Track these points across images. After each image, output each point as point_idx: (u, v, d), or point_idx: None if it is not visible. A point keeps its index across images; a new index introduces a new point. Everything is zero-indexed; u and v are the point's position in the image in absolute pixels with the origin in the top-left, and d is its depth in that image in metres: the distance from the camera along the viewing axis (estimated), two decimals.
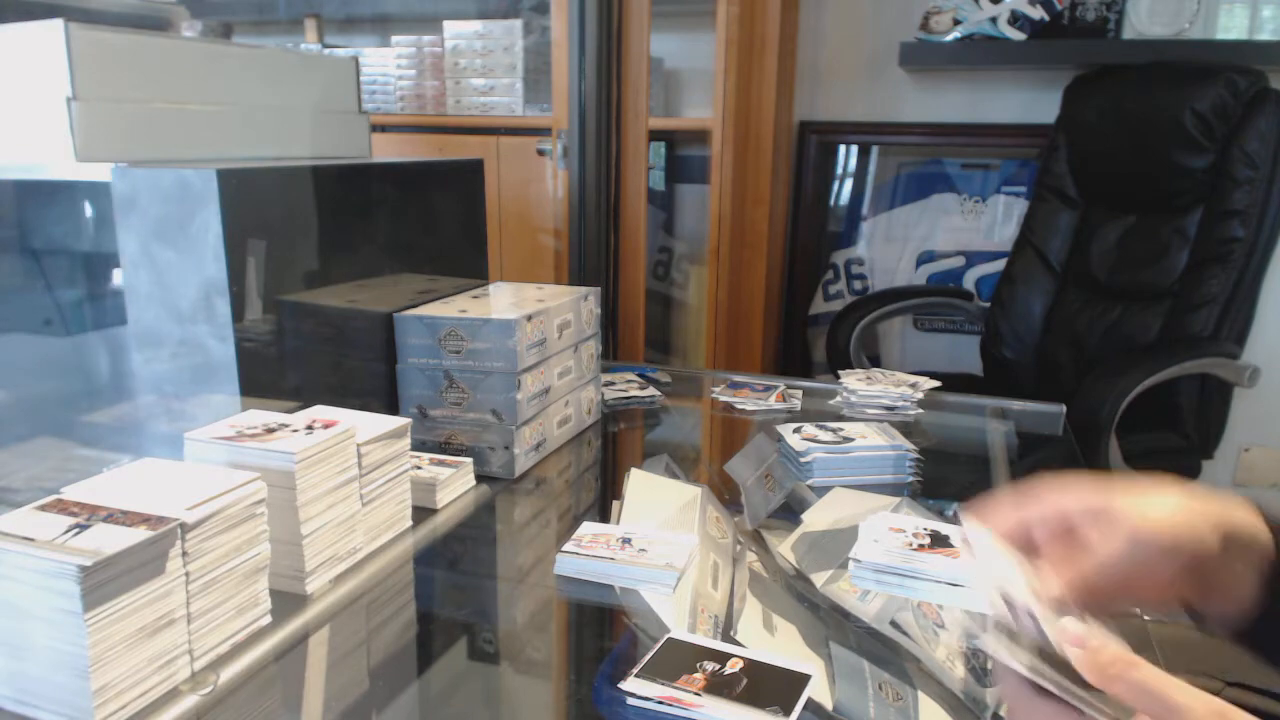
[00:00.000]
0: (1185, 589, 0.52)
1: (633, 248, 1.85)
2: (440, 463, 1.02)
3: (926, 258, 2.56)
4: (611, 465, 1.22)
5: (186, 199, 0.87)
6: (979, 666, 0.72)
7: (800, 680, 0.65)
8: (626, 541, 0.85)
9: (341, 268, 1.06)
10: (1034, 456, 1.28)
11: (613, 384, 1.44)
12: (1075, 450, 1.28)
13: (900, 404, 1.36)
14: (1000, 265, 2.32)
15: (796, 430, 1.12)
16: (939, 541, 0.76)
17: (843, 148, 2.61)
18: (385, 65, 2.63)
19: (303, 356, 0.99)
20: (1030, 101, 2.39)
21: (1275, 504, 0.53)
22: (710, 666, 0.66)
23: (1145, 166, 2.02)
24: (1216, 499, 0.52)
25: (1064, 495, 0.53)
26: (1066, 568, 0.50)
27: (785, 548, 0.86)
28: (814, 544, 0.86)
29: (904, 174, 2.57)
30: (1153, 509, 0.50)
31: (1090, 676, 0.43)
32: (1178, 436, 1.95)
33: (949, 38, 2.31)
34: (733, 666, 0.66)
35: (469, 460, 1.05)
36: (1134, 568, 0.50)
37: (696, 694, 0.63)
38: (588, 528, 0.89)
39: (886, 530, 0.78)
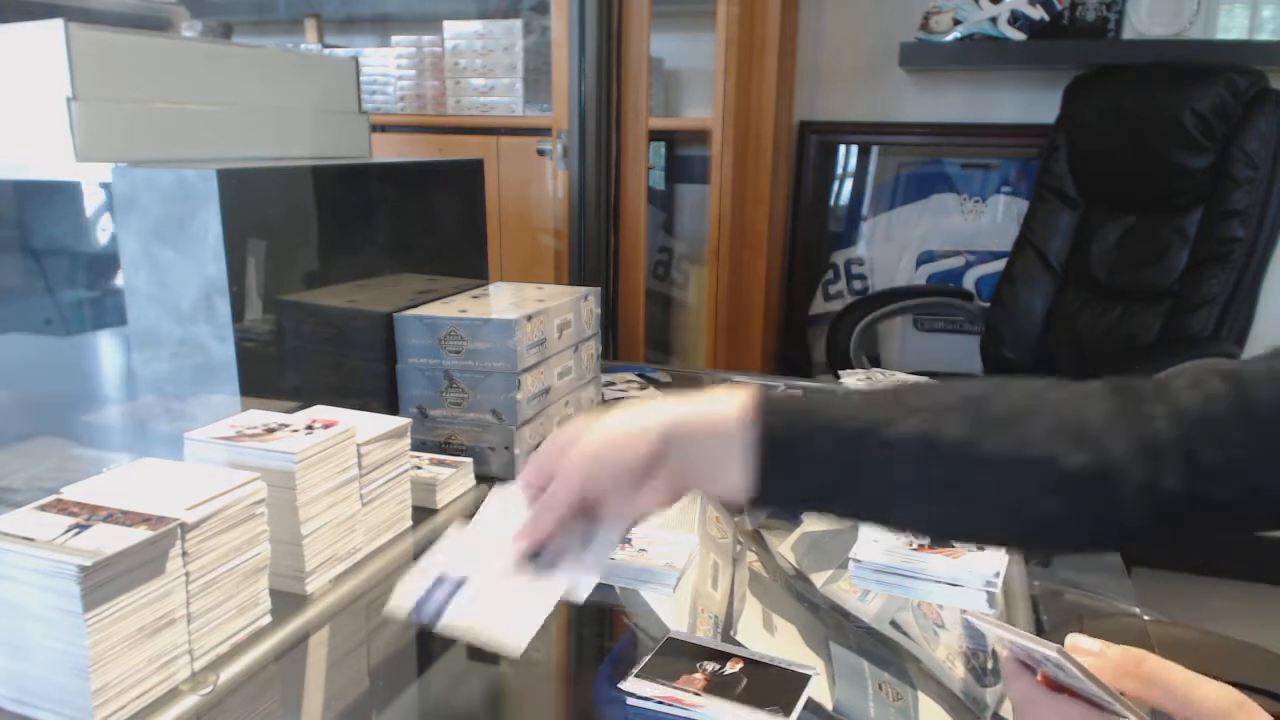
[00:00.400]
0: (674, 485, 0.59)
1: (633, 248, 1.85)
2: (440, 463, 1.02)
3: (926, 258, 2.56)
4: None
5: (186, 199, 0.87)
6: (979, 666, 0.72)
7: (800, 680, 0.65)
8: (626, 541, 0.85)
9: (341, 268, 1.06)
10: None
11: (613, 384, 1.44)
12: None
13: None
14: (1000, 265, 2.32)
15: None
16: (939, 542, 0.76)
17: (843, 148, 2.61)
18: (385, 65, 2.64)
19: (303, 356, 0.99)
20: (1030, 101, 2.39)
21: None
22: (710, 666, 0.66)
23: (1145, 166, 2.02)
24: (687, 403, 0.58)
25: (544, 443, 0.62)
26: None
27: (785, 548, 0.86)
28: (814, 544, 0.86)
29: (904, 174, 2.57)
30: (583, 436, 0.58)
31: (1104, 675, 0.43)
32: None
33: (949, 38, 2.31)
34: (733, 666, 0.66)
35: (469, 460, 1.05)
36: (581, 476, 0.58)
37: (696, 694, 0.63)
38: None
39: (886, 530, 0.78)
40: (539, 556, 0.62)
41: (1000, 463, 0.51)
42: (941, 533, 0.59)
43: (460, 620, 0.60)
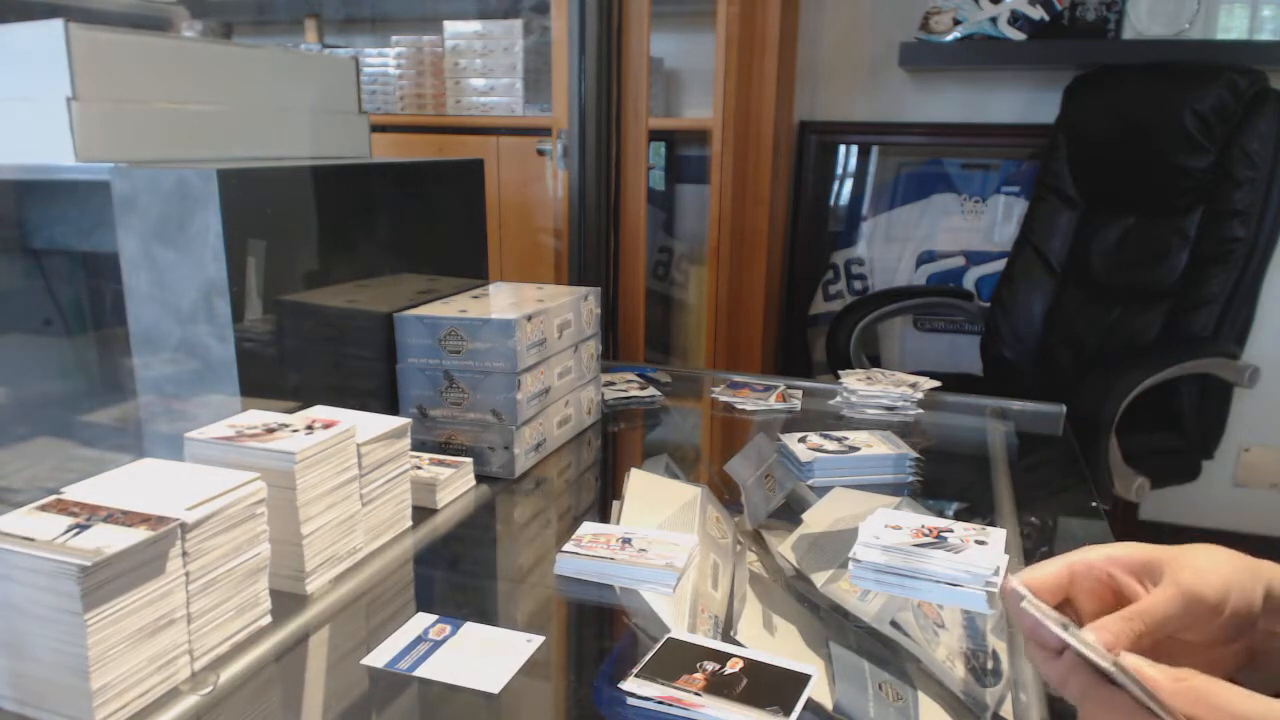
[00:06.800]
0: (1231, 657, 0.52)
1: (633, 248, 1.85)
2: (440, 463, 1.02)
3: (926, 258, 2.56)
4: (611, 465, 1.22)
5: (186, 199, 0.87)
6: (979, 666, 0.72)
7: (800, 680, 0.65)
8: (626, 541, 0.85)
9: (341, 268, 1.06)
10: (1034, 456, 1.28)
11: (613, 384, 1.44)
12: (1075, 450, 1.28)
13: (900, 404, 1.36)
14: (1000, 265, 2.32)
15: (801, 440, 1.12)
16: (939, 541, 0.76)
17: (843, 148, 2.61)
18: (385, 65, 2.63)
19: (303, 356, 0.99)
20: (1030, 101, 2.39)
21: None
22: (710, 666, 0.66)
23: (1145, 167, 2.02)
24: (1258, 561, 0.51)
25: (1110, 550, 0.52)
26: (1114, 620, 0.48)
27: (785, 548, 0.86)
28: (814, 544, 0.86)
29: (904, 174, 2.57)
30: (1203, 560, 0.50)
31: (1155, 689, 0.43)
32: (1178, 436, 1.95)
33: (949, 38, 2.31)
34: (733, 666, 0.66)
35: (469, 460, 1.05)
36: (1185, 620, 0.49)
37: (696, 694, 0.63)
38: (588, 528, 0.89)
39: (886, 530, 0.78)
40: None
41: None
42: None
43: None
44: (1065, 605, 0.53)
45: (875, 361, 2.57)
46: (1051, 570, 0.52)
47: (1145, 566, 0.51)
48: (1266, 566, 0.50)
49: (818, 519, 0.92)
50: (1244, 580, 0.49)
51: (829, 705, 0.64)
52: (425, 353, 1.07)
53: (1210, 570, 0.49)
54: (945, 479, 1.13)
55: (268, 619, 0.74)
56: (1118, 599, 0.51)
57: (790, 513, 0.96)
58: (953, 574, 0.72)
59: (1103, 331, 2.06)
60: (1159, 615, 0.48)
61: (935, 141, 2.51)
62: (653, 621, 0.75)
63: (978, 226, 2.51)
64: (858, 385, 1.38)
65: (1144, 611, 0.48)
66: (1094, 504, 1.04)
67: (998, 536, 0.77)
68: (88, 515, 0.63)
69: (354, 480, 0.83)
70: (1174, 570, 0.50)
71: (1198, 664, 0.47)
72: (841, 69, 2.55)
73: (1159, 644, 0.49)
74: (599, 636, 0.81)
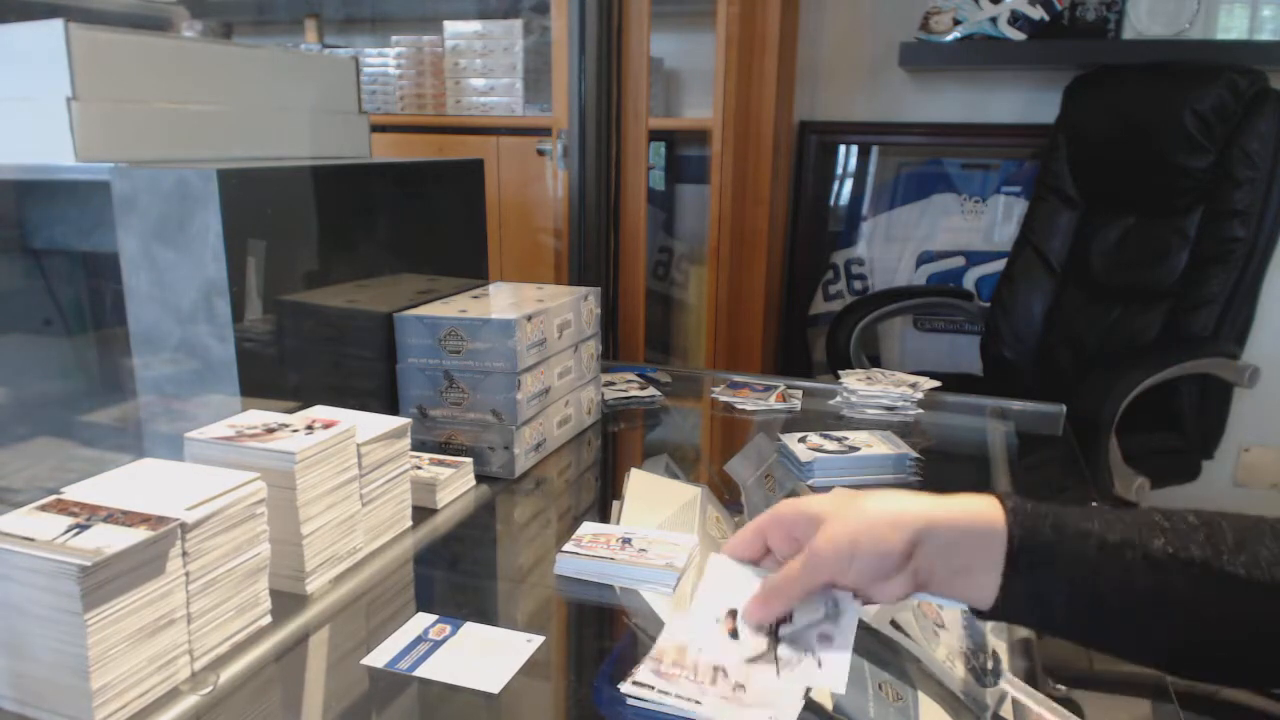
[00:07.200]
0: (916, 588, 0.60)
1: (633, 248, 1.85)
2: (440, 463, 1.02)
3: (926, 258, 2.56)
4: (611, 465, 1.22)
5: (186, 199, 0.87)
6: (979, 666, 0.72)
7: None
8: (626, 541, 0.85)
9: (341, 268, 1.06)
10: (1034, 456, 1.28)
11: (613, 384, 1.44)
12: (1075, 450, 1.28)
13: (900, 404, 1.36)
14: (1000, 265, 2.32)
15: (801, 440, 1.12)
16: None
17: (843, 148, 2.61)
18: (385, 65, 2.63)
19: (303, 356, 0.99)
20: (1030, 101, 2.39)
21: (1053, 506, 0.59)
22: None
23: (1145, 167, 2.02)
24: (918, 513, 0.59)
25: (782, 507, 0.65)
26: (755, 606, 0.64)
27: None
28: None
29: (904, 174, 2.57)
30: (835, 523, 0.60)
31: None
32: (1178, 436, 1.95)
33: (949, 38, 2.31)
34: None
35: (469, 460, 1.05)
36: (830, 574, 0.60)
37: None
38: (588, 528, 0.89)
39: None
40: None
41: (1237, 583, 0.54)
42: (1176, 657, 0.59)
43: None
44: (767, 555, 0.67)
45: (875, 361, 2.57)
46: (747, 533, 0.67)
47: (804, 522, 0.63)
48: (923, 518, 0.59)
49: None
50: (880, 532, 0.59)
51: (829, 705, 0.64)
52: (425, 353, 1.07)
53: (840, 527, 0.60)
54: (945, 479, 1.13)
55: (268, 619, 0.74)
56: (799, 545, 0.63)
57: None
58: None
59: (1103, 331, 2.06)
60: (787, 581, 0.62)
61: (935, 141, 2.51)
62: (653, 621, 0.75)
63: (978, 226, 2.51)
64: (858, 385, 1.38)
65: (775, 586, 0.63)
66: (1094, 504, 1.04)
67: None
68: (88, 515, 0.63)
69: (354, 480, 0.83)
70: (816, 524, 0.61)
71: (882, 594, 0.61)
72: (841, 69, 2.55)
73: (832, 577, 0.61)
74: (599, 636, 0.81)
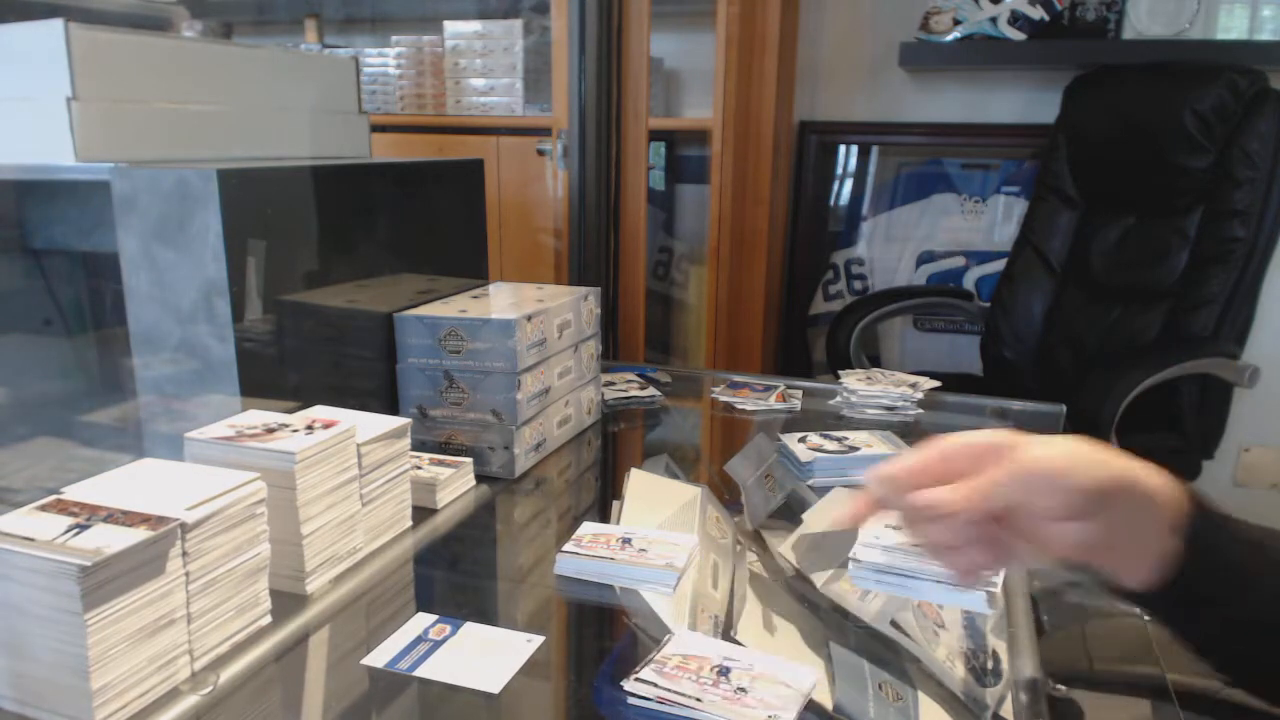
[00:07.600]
0: (1088, 547, 0.54)
1: (633, 248, 1.85)
2: (440, 463, 1.02)
3: (926, 258, 2.56)
4: (611, 465, 1.22)
5: (186, 199, 0.87)
6: (979, 666, 0.72)
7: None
8: (626, 541, 0.85)
9: (341, 268, 1.06)
10: None
11: (613, 384, 1.44)
12: None
13: (900, 404, 1.36)
14: (1000, 265, 2.32)
15: (801, 440, 1.12)
16: None
17: (843, 148, 2.61)
18: (385, 65, 2.63)
19: (303, 356, 0.99)
20: (1030, 101, 2.39)
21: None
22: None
23: (1145, 167, 2.02)
24: (1125, 462, 0.54)
25: (972, 434, 0.58)
26: (944, 490, 0.56)
27: (785, 548, 0.86)
28: (814, 544, 0.86)
29: (904, 174, 2.57)
30: (1044, 446, 0.54)
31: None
32: (1178, 436, 1.95)
33: (949, 38, 2.31)
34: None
35: (469, 460, 1.05)
36: (1024, 494, 0.54)
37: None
38: (588, 528, 0.89)
39: (886, 530, 0.78)
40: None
41: None
42: None
43: None
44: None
45: (875, 361, 2.57)
46: (921, 458, 0.58)
47: (994, 449, 0.56)
48: (1118, 461, 0.54)
49: (818, 519, 0.92)
50: (1086, 462, 0.53)
51: (829, 705, 0.64)
52: (425, 353, 1.07)
53: (1049, 452, 0.54)
54: None
55: (268, 619, 0.74)
56: (974, 472, 0.56)
57: (790, 513, 0.96)
58: (953, 574, 0.72)
59: (1103, 331, 2.06)
60: (995, 490, 0.54)
61: (935, 141, 2.51)
62: (653, 621, 0.75)
63: (978, 226, 2.51)
64: (858, 385, 1.38)
65: (975, 489, 0.55)
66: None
67: None
68: (88, 515, 0.63)
69: (354, 480, 0.83)
70: (1014, 451, 0.55)
71: (1049, 545, 0.55)
72: (841, 69, 2.55)
73: (1009, 515, 0.55)
74: (599, 636, 0.81)
